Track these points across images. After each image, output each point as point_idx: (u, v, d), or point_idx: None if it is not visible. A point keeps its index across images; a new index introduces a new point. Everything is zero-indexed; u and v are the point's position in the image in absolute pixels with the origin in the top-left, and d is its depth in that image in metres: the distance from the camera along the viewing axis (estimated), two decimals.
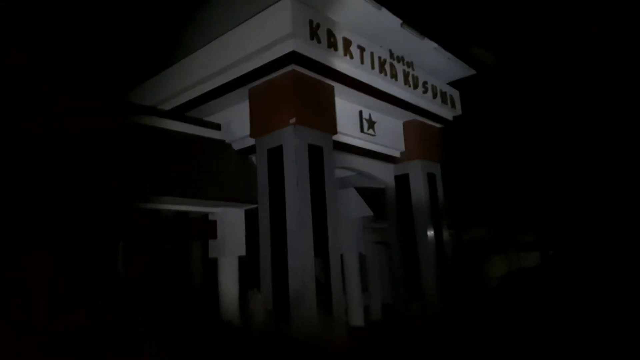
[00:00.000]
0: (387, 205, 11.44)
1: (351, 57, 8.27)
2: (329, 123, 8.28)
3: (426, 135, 11.06)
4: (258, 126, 8.13)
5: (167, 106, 9.31)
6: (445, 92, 11.21)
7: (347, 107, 9.28)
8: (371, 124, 9.79)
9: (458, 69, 10.93)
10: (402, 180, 11.03)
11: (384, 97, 9.44)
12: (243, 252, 9.14)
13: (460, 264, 12.59)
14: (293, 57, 7.34)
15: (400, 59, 9.59)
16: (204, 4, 7.70)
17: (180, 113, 9.09)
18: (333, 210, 8.00)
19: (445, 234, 11.20)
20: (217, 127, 9.14)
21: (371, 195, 11.97)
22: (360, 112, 9.63)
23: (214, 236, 9.12)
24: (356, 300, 12.14)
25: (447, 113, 11.38)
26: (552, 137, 13.69)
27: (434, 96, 10.73)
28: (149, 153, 7.96)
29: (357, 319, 11.94)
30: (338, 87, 8.57)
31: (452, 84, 11.74)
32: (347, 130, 9.23)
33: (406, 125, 10.92)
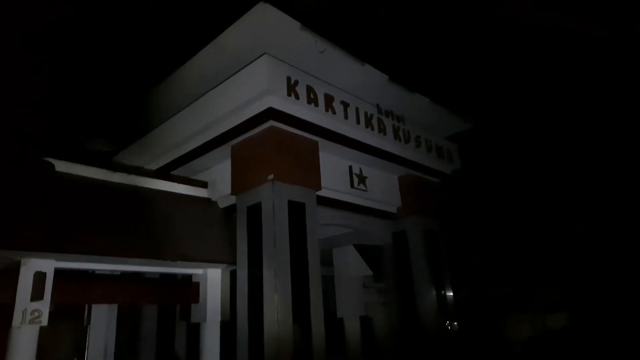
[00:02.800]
0: (386, 263, 10.86)
1: (334, 112, 8.17)
2: (312, 179, 8.04)
3: (423, 190, 10.67)
4: (238, 183, 7.97)
5: (154, 165, 9.32)
6: (441, 146, 10.93)
7: (335, 162, 9.07)
8: (362, 179, 9.51)
9: (454, 122, 10.71)
10: (400, 237, 10.51)
11: (373, 151, 9.22)
12: (226, 317, 8.63)
13: (470, 327, 11.64)
14: (270, 113, 7.28)
15: (389, 114, 9.45)
16: (186, 65, 7.84)
17: (166, 172, 9.07)
18: (315, 269, 7.55)
19: (449, 294, 10.45)
20: (204, 185, 9.04)
21: (369, 253, 11.46)
22: (350, 167, 9.39)
23: (196, 300, 8.69)
24: None
25: (444, 167, 11.03)
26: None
27: (429, 150, 10.45)
28: (133, 214, 7.84)
29: None
30: (323, 143, 8.42)
31: (451, 136, 11.49)
32: (337, 185, 8.96)
33: (401, 179, 10.59)
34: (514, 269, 14.21)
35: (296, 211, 7.54)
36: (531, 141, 12.92)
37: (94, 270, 8.23)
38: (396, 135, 9.52)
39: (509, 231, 13.20)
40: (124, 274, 8.50)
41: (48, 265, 6.34)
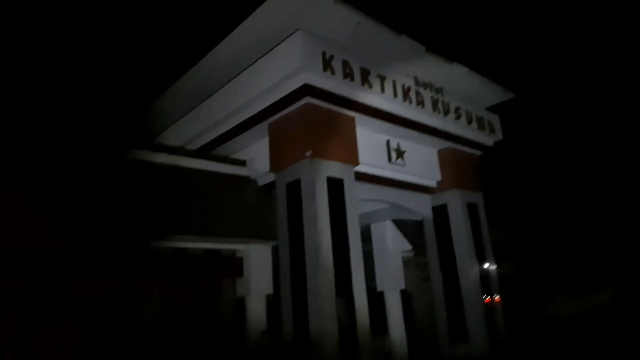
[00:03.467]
0: (426, 238, 10.78)
1: (370, 86, 8.05)
2: (350, 154, 8.01)
3: (464, 163, 10.41)
4: (277, 160, 8.05)
5: (194, 145, 9.54)
6: (482, 117, 10.58)
7: (372, 137, 8.98)
8: (400, 153, 9.38)
9: (495, 93, 10.32)
10: (440, 212, 10.37)
11: (411, 125, 9.05)
12: (270, 290, 8.87)
13: (513, 302, 11.44)
14: (306, 90, 7.26)
15: (427, 86, 9.21)
16: (220, 46, 7.89)
17: (206, 151, 9.27)
18: (356, 244, 7.59)
19: (492, 269, 10.28)
20: (242, 163, 9.18)
21: (408, 227, 11.38)
22: (388, 142, 9.27)
23: (240, 274, 8.97)
24: (400, 340, 11.37)
25: (485, 139, 10.69)
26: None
27: (469, 122, 10.15)
28: (176, 192, 8.11)
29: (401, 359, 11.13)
30: (360, 118, 8.34)
31: (492, 107, 11.09)
32: (374, 161, 8.90)
33: (441, 153, 10.37)
34: (557, 245, 13.76)
35: (335, 187, 7.56)
36: (574, 112, 12.28)
37: None
38: (435, 108, 9.28)
39: (553, 205, 12.73)
40: (172, 250, 8.83)
41: None
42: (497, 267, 10.63)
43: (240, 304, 9.18)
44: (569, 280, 14.84)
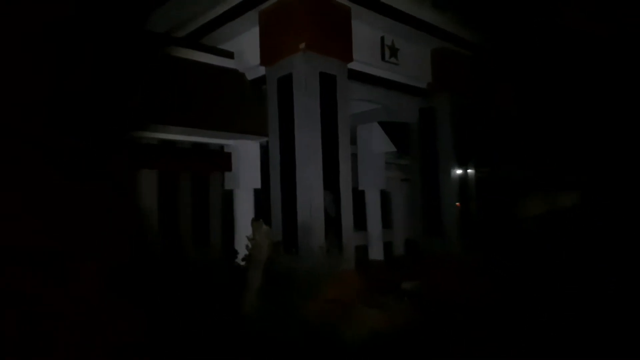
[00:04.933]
0: (411, 140, 10.94)
1: None
2: (344, 49, 7.73)
3: (456, 65, 10.21)
4: (268, 53, 7.72)
5: (181, 33, 8.98)
6: (477, 17, 10.13)
7: (367, 32, 8.59)
8: (394, 51, 9.10)
9: None
10: (427, 114, 10.41)
11: (408, 20, 8.64)
12: (258, 185, 9.10)
13: (489, 203, 12.10)
14: None
15: None
16: None
17: (193, 40, 8.77)
18: (345, 142, 7.69)
19: (473, 172, 10.68)
20: (229, 55, 8.78)
21: (395, 130, 11.48)
22: (382, 38, 8.92)
23: (229, 168, 9.09)
24: (376, 236, 12.13)
25: (478, 39, 10.35)
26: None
27: (466, 21, 9.74)
28: (161, 81, 7.80)
29: (376, 253, 12.00)
30: (356, 9, 7.89)
31: (488, 8, 10.59)
32: (367, 58, 8.63)
33: (434, 52, 10.09)
34: (538, 149, 14.18)
35: (327, 83, 7.41)
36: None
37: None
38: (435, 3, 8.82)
39: (539, 111, 12.86)
40: (161, 142, 8.76)
41: None
42: (475, 171, 11.05)
43: (228, 196, 9.47)
44: (541, 183, 15.68)
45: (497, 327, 5.11)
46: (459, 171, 10.55)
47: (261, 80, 8.60)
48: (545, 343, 4.72)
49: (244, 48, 8.59)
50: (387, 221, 13.25)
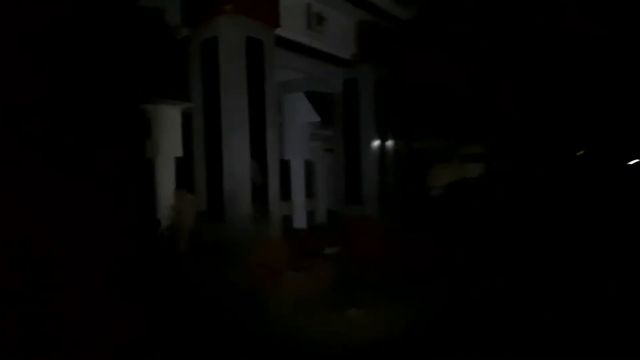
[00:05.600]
0: (335, 111, 11.14)
1: None
2: (272, 14, 7.57)
3: (379, 37, 10.48)
4: (192, 13, 7.32)
5: None
6: None
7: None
8: (320, 19, 9.10)
9: None
10: (350, 85, 10.64)
11: None
12: (180, 153, 8.76)
13: (405, 173, 12.81)
14: None
15: None
16: None
17: None
18: (273, 110, 7.63)
19: (391, 143, 11.18)
20: (152, 13, 8.17)
21: (319, 100, 11.62)
22: (308, 6, 8.87)
23: (149, 135, 8.61)
24: (300, 205, 12.37)
25: (402, 12, 10.70)
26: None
27: None
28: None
29: (300, 221, 12.26)
30: None
31: None
32: (292, 25, 8.53)
33: (359, 24, 10.25)
34: (451, 122, 15.18)
35: (255, 49, 7.24)
36: None
37: None
38: None
39: (456, 85, 13.64)
40: None
41: None
42: (394, 143, 11.58)
43: (148, 165, 8.99)
44: (450, 155, 16.93)
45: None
46: (379, 142, 11.01)
47: (185, 41, 8.15)
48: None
49: (168, 5, 8.04)
50: (310, 190, 13.54)
